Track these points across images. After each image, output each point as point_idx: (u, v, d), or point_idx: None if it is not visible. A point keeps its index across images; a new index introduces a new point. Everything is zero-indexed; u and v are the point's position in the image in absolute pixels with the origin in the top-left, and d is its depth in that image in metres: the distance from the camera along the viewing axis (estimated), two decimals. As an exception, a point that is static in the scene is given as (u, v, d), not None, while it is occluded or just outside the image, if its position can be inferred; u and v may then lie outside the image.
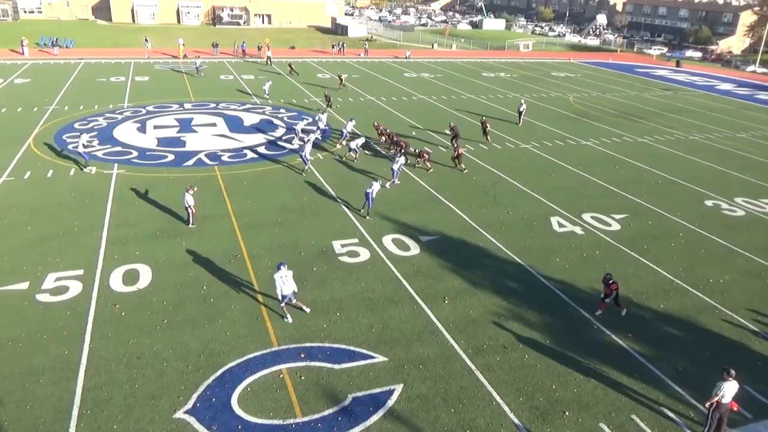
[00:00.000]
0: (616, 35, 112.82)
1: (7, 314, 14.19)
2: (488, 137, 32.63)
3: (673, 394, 12.79)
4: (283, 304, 14.57)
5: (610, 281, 15.17)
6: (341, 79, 45.79)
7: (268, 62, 57.02)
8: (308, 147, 25.52)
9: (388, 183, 24.30)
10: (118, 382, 12.14)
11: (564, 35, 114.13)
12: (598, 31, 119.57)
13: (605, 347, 14.35)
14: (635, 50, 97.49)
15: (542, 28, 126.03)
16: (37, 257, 16.96)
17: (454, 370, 13.13)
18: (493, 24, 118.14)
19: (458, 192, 24.13)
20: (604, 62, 76.73)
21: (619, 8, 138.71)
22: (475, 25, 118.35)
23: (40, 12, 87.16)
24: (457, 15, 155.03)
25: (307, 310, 15.01)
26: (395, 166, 24.51)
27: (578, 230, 21.05)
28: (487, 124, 32.80)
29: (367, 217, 21.01)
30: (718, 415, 11.28)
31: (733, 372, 11.06)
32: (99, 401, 11.59)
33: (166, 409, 11.50)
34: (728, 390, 11.05)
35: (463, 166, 26.93)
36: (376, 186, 21.05)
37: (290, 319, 14.62)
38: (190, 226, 19.42)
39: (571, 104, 45.46)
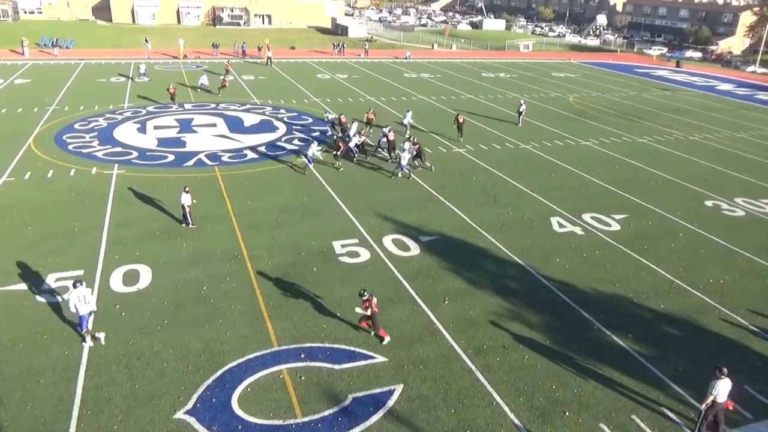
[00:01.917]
0: (616, 35, 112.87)
1: (8, 314, 14.20)
2: (461, 134, 31.89)
3: (673, 394, 12.80)
4: (84, 329, 13.11)
5: (364, 297, 13.71)
6: (224, 81, 42.76)
7: (269, 63, 57.15)
8: (313, 146, 25.41)
9: (430, 165, 26.73)
10: (118, 383, 12.15)
11: (564, 35, 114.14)
12: (598, 31, 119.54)
13: (605, 347, 14.35)
14: (635, 50, 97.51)
15: (542, 28, 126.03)
16: (37, 257, 16.96)
17: (454, 371, 13.13)
18: (493, 24, 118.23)
19: (458, 192, 24.14)
20: (604, 62, 76.75)
21: (619, 8, 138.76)
22: (475, 26, 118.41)
23: (41, 12, 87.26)
24: (457, 15, 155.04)
25: (102, 341, 13.23)
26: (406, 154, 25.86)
27: (578, 230, 21.05)
28: (461, 119, 31.84)
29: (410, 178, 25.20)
30: (713, 414, 11.26)
31: (725, 370, 11.06)
32: (99, 401, 11.60)
33: (167, 409, 11.51)
34: (722, 388, 11.04)
35: (428, 164, 26.75)
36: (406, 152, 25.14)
37: (90, 343, 13.14)
38: (191, 225, 19.41)
39: (571, 104, 45.48)
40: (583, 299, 16.44)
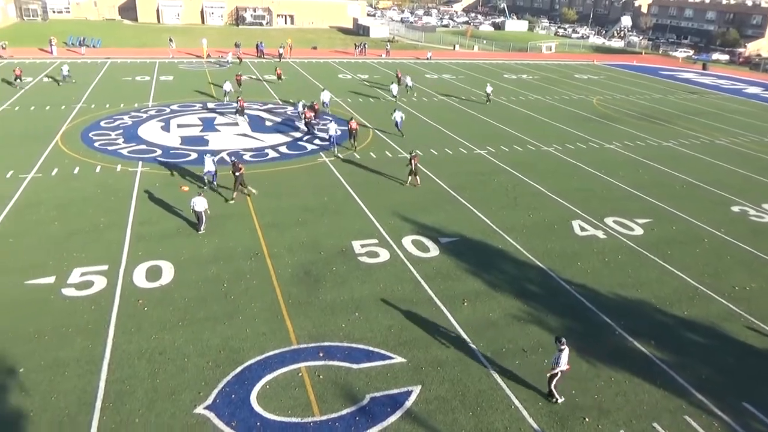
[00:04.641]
0: (640, 37, 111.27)
1: (34, 307, 14.51)
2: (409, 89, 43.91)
3: (696, 402, 12.57)
4: None
5: None
6: (239, 77, 42.78)
7: (280, 59, 59.76)
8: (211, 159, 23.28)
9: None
10: (140, 377, 12.34)
11: (587, 37, 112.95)
12: (622, 33, 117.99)
13: (627, 353, 14.16)
14: (660, 52, 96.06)
15: (565, 29, 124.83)
16: (63, 252, 17.30)
17: (472, 373, 13.07)
18: (515, 25, 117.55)
19: (478, 193, 24.02)
20: (628, 64, 75.74)
21: (644, 10, 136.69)
22: (498, 27, 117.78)
23: (69, 12, 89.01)
24: (479, 16, 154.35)
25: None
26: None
27: (600, 234, 20.80)
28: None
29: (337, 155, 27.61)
30: (556, 379, 12.21)
31: (564, 340, 12.08)
32: (121, 394, 11.79)
33: (187, 404, 11.65)
34: (564, 357, 11.97)
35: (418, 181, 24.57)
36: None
37: None
38: (201, 231, 19.09)
39: (594, 106, 44.96)
40: (604, 304, 16.24)
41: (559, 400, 12.33)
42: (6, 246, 17.59)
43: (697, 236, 21.16)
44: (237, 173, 21.71)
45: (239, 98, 35.59)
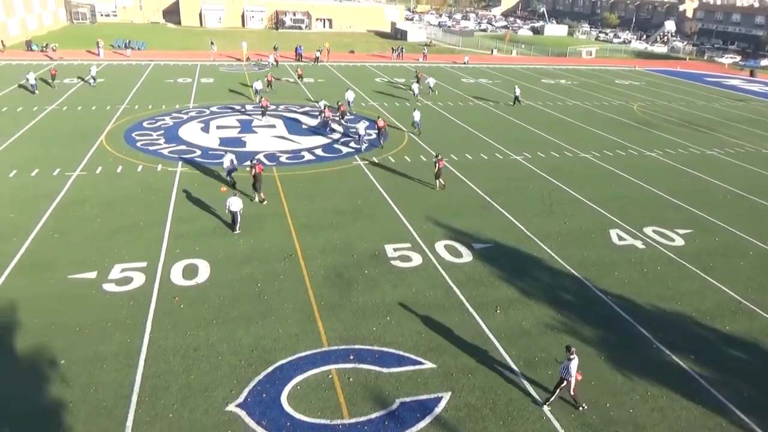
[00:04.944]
0: (685, 42, 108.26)
1: (77, 301, 15.00)
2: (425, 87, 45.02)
3: (736, 421, 12.13)
4: None
5: None
6: (269, 77, 44.52)
7: (317, 62, 60.73)
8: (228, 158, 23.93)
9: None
10: (174, 372, 12.61)
11: (629, 42, 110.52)
12: (665, 38, 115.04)
13: (664, 367, 13.76)
14: (705, 58, 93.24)
15: (606, 34, 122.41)
16: (105, 248, 17.84)
17: (503, 382, 12.91)
18: (554, 30, 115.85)
19: (513, 199, 23.75)
20: (671, 70, 73.79)
21: (689, 14, 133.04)
22: (537, 31, 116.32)
23: (116, 15, 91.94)
24: (518, 21, 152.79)
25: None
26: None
27: (639, 244, 20.30)
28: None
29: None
30: (569, 389, 11.97)
31: (573, 349, 11.83)
32: (156, 389, 12.07)
33: (219, 401, 11.85)
34: (573, 367, 11.69)
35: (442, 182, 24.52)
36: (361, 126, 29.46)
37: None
38: (237, 231, 19.42)
39: (635, 113, 43.95)
40: (641, 316, 15.83)
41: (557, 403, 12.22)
42: (51, 241, 18.25)
43: (741, 248, 20.44)
44: (254, 173, 21.92)
45: (263, 98, 36.55)
